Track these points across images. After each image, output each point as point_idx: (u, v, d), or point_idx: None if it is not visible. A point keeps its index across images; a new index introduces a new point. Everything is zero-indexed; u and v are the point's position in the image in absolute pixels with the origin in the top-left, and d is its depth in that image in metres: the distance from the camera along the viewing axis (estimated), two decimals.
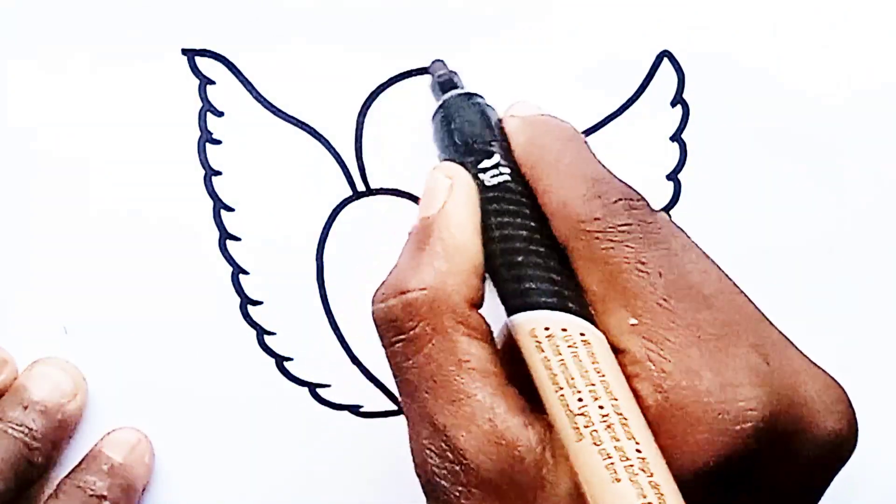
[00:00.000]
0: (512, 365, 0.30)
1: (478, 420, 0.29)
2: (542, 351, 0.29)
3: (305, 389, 0.41)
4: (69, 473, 0.39)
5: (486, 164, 0.32)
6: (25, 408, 0.39)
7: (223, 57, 0.40)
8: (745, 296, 0.31)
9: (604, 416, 0.28)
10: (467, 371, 0.30)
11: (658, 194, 0.40)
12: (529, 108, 0.35)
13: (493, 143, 0.33)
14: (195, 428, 0.40)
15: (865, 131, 0.41)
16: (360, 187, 0.40)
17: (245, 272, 0.40)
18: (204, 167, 0.40)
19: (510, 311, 0.30)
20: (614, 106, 0.40)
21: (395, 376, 0.31)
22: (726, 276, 0.31)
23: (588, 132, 0.40)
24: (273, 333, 0.40)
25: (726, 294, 0.30)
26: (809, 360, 0.30)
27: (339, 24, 0.40)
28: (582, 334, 0.29)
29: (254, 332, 0.40)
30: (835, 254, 0.41)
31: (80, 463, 0.40)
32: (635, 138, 0.40)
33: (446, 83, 0.36)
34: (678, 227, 0.31)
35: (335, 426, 0.40)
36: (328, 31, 0.40)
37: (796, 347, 0.31)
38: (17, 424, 0.38)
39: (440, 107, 0.35)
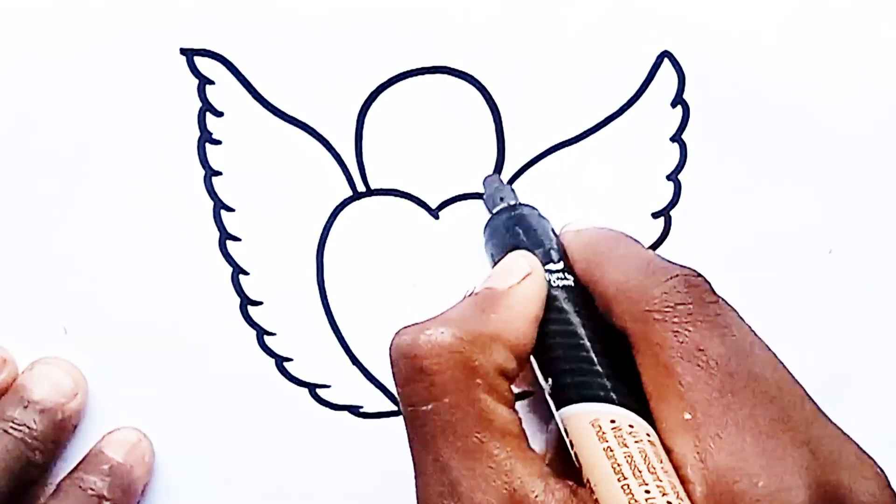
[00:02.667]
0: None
1: (496, 480, 0.28)
2: (606, 441, 0.29)
3: (305, 390, 0.41)
4: (69, 473, 0.39)
5: (552, 266, 0.34)
6: (25, 407, 0.39)
7: (222, 57, 0.40)
8: (801, 386, 0.30)
9: None
10: (490, 429, 0.29)
11: (658, 194, 0.40)
12: (581, 224, 0.36)
13: (556, 251, 0.35)
14: (195, 428, 0.40)
15: (866, 131, 0.41)
16: (360, 187, 0.40)
17: (245, 272, 0.40)
18: (204, 167, 0.40)
19: (565, 402, 0.31)
20: (614, 106, 0.40)
21: (406, 420, 0.30)
22: (782, 364, 0.30)
23: (588, 132, 0.40)
24: (273, 334, 0.40)
25: (783, 386, 0.30)
26: (861, 449, 0.30)
27: (340, 24, 0.40)
28: (648, 434, 0.29)
29: (254, 333, 0.40)
30: (835, 254, 0.41)
31: (81, 462, 0.40)
32: (635, 138, 0.40)
33: (504, 195, 0.39)
34: (735, 311, 0.31)
35: (335, 426, 0.40)
36: (328, 30, 0.40)
37: (847, 436, 0.30)
38: (17, 424, 0.38)
39: (499, 213, 0.38)
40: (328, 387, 0.41)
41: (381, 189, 0.40)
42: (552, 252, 0.35)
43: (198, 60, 0.40)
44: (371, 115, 0.40)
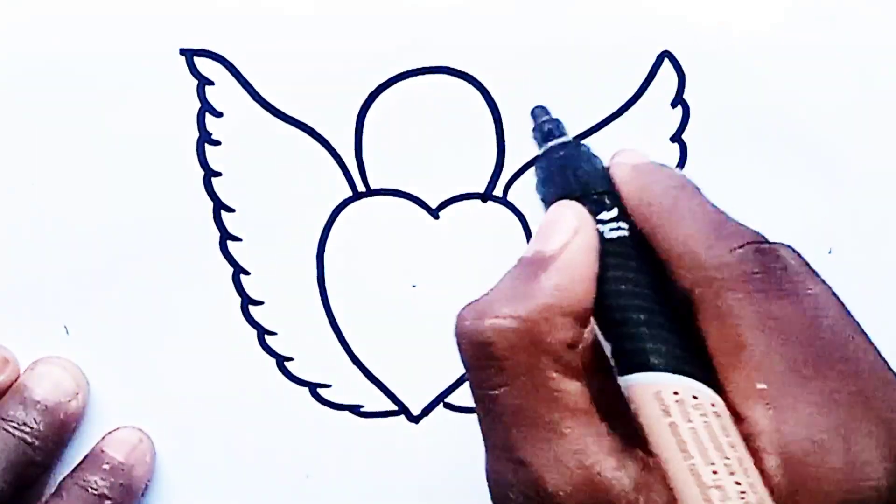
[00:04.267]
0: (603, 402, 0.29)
1: (569, 461, 0.28)
2: (670, 415, 0.28)
3: (306, 389, 0.41)
4: (70, 473, 0.39)
5: (605, 215, 0.31)
6: (27, 407, 0.39)
7: (222, 57, 0.40)
8: (878, 352, 0.29)
9: (741, 492, 0.27)
10: (559, 408, 0.28)
11: None
12: (636, 156, 0.32)
13: (609, 195, 0.31)
14: (196, 428, 0.40)
15: (865, 131, 0.41)
16: (360, 187, 0.40)
17: (246, 272, 0.40)
18: (203, 168, 0.40)
19: (626, 370, 0.29)
20: (614, 106, 0.40)
21: (476, 401, 0.29)
22: (861, 330, 0.29)
23: (588, 132, 0.40)
24: (274, 333, 0.41)
25: (861, 354, 0.28)
26: None
27: (339, 24, 0.40)
28: (713, 405, 0.28)
29: (254, 332, 0.40)
30: (835, 254, 0.41)
31: (82, 462, 0.40)
32: (635, 138, 0.40)
33: (553, 130, 0.34)
34: (814, 272, 0.29)
35: (335, 426, 0.41)
36: (328, 30, 0.40)
37: None
38: (18, 423, 0.38)
39: (548, 152, 0.33)
40: (329, 386, 0.41)
41: (381, 189, 0.40)
42: (605, 198, 0.31)
43: (197, 61, 0.40)
44: (371, 115, 0.40)
